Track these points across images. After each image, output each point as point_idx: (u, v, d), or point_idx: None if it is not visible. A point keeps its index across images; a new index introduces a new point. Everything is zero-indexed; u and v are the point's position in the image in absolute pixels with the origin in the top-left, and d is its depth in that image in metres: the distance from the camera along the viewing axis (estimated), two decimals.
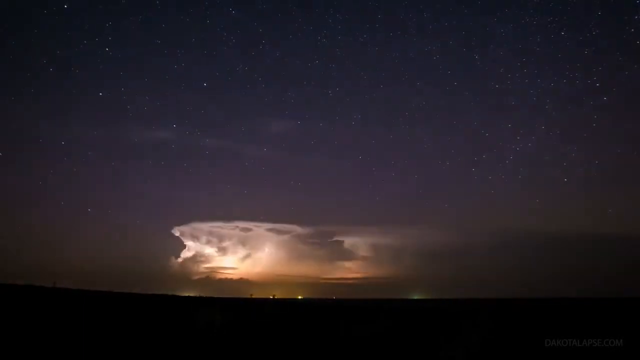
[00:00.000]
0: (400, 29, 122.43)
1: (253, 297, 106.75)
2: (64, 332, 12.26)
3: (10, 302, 22.34)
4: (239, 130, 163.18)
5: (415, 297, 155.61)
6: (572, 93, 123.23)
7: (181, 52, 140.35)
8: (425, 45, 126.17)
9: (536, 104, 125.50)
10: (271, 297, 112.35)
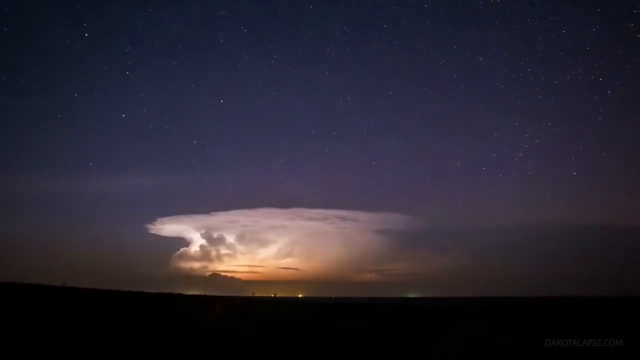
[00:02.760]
0: (405, 37, 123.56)
1: (255, 295, 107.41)
2: (74, 329, 12.32)
3: (22, 301, 22.48)
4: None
5: (411, 295, 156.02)
6: (576, 89, 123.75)
7: (196, 70, 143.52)
8: (430, 51, 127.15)
9: (541, 102, 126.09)
10: (273, 295, 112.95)
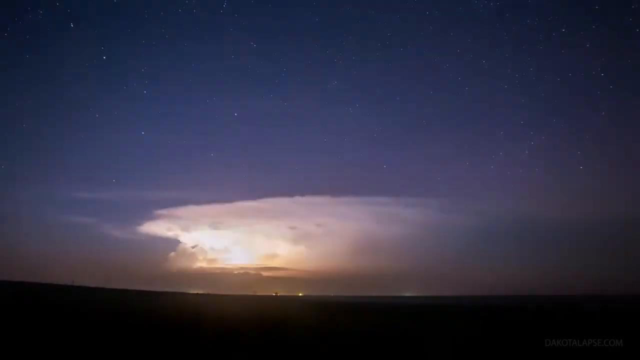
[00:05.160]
0: (409, 43, 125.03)
1: (257, 294, 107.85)
2: (83, 324, 12.35)
3: (34, 299, 22.59)
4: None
5: (407, 294, 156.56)
6: (579, 85, 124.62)
7: (209, 86, 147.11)
8: (434, 56, 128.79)
9: (545, 100, 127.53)
10: (274, 294, 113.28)
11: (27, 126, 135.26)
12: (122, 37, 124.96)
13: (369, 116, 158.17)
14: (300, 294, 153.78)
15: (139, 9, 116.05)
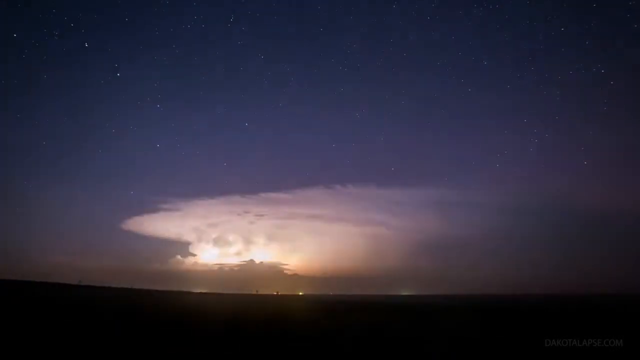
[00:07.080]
0: (412, 48, 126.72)
1: (259, 293, 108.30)
2: (90, 323, 12.43)
3: (42, 298, 22.71)
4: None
5: (404, 293, 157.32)
6: (580, 82, 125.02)
7: (220, 98, 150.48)
8: (437, 60, 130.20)
9: (547, 98, 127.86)
10: (275, 293, 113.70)
11: (46, 143, 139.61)
12: (134, 54, 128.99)
13: (376, 120, 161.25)
14: (301, 293, 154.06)
15: (150, 27, 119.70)
